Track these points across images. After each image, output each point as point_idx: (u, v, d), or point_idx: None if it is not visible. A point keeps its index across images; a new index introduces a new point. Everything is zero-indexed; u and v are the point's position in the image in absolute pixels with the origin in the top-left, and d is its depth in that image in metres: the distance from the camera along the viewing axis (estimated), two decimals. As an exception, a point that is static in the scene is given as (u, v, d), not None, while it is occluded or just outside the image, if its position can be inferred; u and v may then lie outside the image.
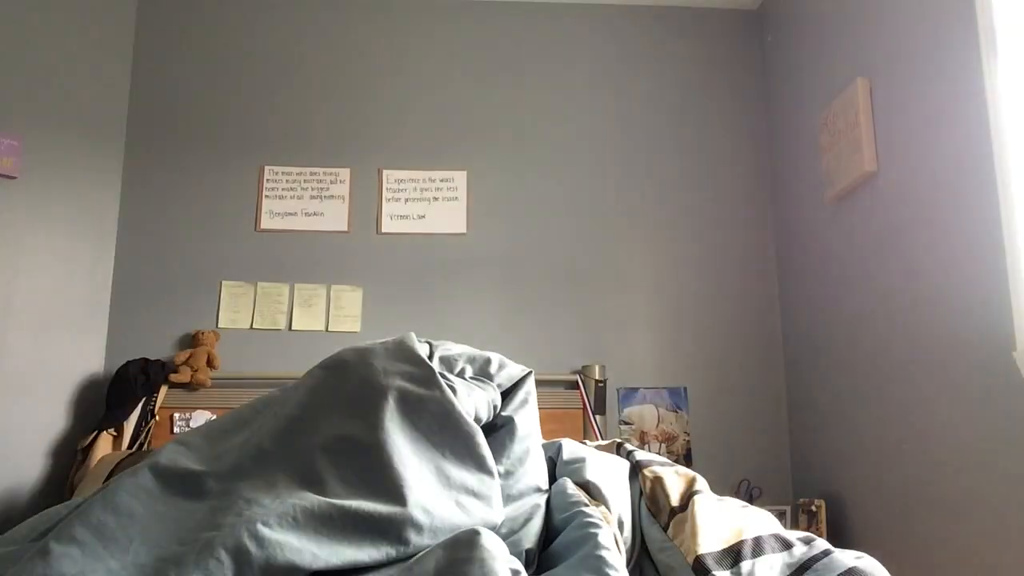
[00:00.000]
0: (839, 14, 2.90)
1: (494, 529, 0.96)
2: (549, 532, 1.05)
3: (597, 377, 3.15)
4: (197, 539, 0.81)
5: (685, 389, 3.29)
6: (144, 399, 2.92)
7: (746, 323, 3.38)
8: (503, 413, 1.16)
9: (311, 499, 0.85)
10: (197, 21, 3.49)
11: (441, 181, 3.39)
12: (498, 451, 1.10)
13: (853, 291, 2.78)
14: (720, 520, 1.07)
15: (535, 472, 1.13)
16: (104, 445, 2.77)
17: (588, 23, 3.60)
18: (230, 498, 0.86)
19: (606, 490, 1.11)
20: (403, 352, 1.07)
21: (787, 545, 1.04)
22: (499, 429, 1.15)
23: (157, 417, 2.92)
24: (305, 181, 3.36)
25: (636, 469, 1.22)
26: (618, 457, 1.26)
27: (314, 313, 3.23)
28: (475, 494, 0.97)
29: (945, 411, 2.24)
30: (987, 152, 2.06)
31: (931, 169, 2.32)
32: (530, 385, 1.23)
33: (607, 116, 3.52)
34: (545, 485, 1.13)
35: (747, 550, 1.02)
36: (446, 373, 1.11)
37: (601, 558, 0.89)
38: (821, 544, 1.04)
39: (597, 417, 3.08)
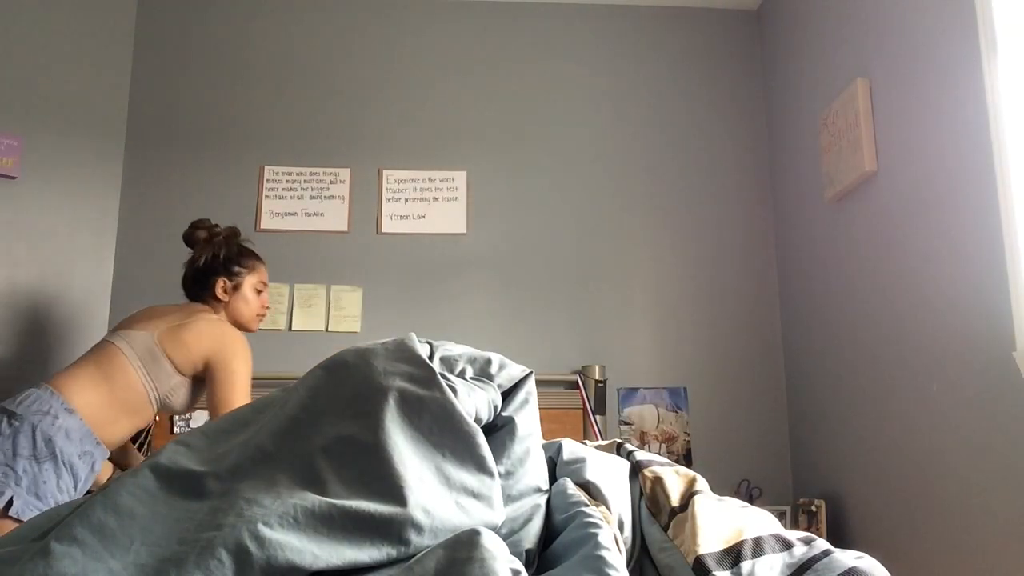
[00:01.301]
0: (839, 14, 2.90)
1: (494, 529, 0.96)
2: (549, 532, 1.05)
3: (597, 377, 3.15)
4: (198, 539, 0.81)
5: (685, 389, 3.29)
6: (144, 399, 2.92)
7: (746, 323, 3.38)
8: (503, 413, 1.16)
9: (312, 499, 0.86)
10: (197, 21, 3.49)
11: (441, 181, 3.40)
12: (498, 451, 1.10)
13: (853, 291, 2.78)
14: (720, 520, 1.07)
15: (535, 472, 1.13)
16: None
17: (588, 23, 3.60)
18: (231, 498, 0.87)
19: (606, 490, 1.11)
20: (403, 353, 1.07)
21: (787, 545, 1.04)
22: (499, 429, 1.15)
23: (157, 417, 2.92)
24: (305, 181, 3.36)
25: (636, 469, 1.22)
26: (618, 457, 1.26)
27: (314, 313, 3.23)
28: (475, 495, 0.97)
29: (945, 411, 2.24)
30: (987, 152, 2.07)
31: (931, 169, 2.32)
32: (530, 385, 1.23)
33: (607, 116, 3.52)
34: (545, 485, 1.13)
35: (747, 550, 1.02)
36: (447, 373, 1.11)
37: (601, 558, 0.89)
38: (821, 544, 1.04)
39: (597, 417, 3.09)
